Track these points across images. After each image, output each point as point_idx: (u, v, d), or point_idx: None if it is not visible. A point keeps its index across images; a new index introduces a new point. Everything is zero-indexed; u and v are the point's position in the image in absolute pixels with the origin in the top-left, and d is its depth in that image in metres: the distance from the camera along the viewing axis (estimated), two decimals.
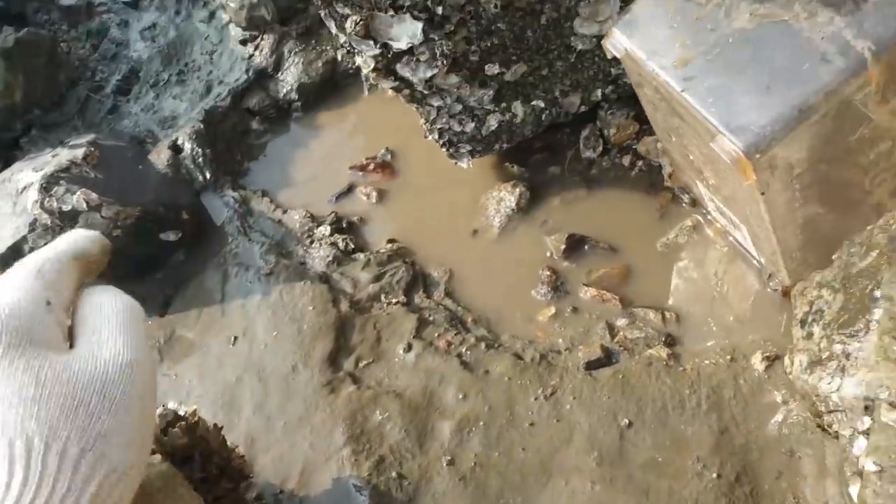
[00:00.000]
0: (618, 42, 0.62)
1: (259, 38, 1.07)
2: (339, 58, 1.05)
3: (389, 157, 0.97)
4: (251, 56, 1.07)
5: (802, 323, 0.57)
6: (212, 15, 1.14)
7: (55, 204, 0.79)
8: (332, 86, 1.05)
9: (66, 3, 1.23)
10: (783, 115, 0.53)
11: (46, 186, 0.80)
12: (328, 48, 1.06)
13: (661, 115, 0.67)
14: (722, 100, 0.55)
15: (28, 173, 0.83)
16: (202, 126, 1.00)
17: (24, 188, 0.82)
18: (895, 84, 0.56)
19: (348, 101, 1.04)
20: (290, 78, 1.04)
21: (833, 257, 0.59)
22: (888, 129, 0.60)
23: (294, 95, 1.04)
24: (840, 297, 0.56)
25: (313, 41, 1.06)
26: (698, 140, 0.62)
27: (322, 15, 0.74)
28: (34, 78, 1.08)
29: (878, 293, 0.52)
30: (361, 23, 0.73)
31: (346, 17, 0.73)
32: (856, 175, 0.62)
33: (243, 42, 1.09)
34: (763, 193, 0.57)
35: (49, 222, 0.79)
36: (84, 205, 0.79)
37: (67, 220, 0.80)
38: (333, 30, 0.75)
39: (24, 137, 1.10)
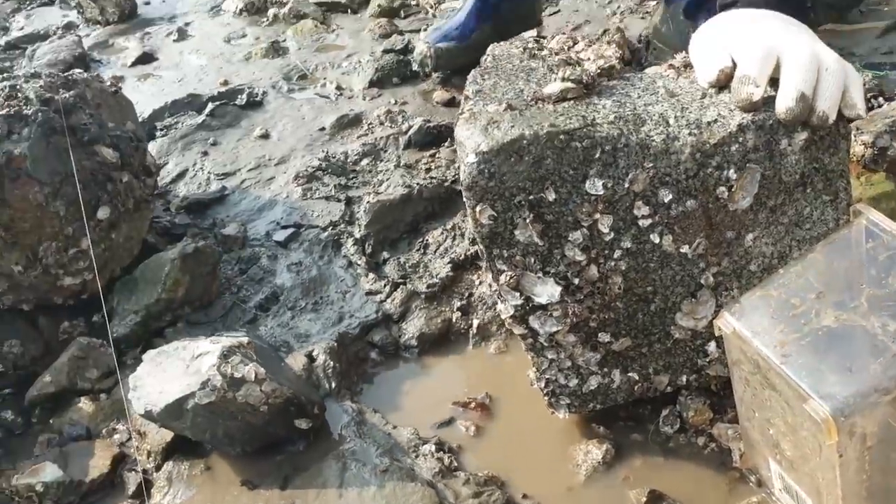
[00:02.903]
0: (728, 323, 0.80)
1: (392, 290, 1.29)
2: (454, 319, 1.25)
3: (488, 400, 1.12)
4: (382, 301, 1.27)
5: None
6: (350, 264, 1.37)
7: (230, 370, 0.94)
8: (445, 340, 1.23)
9: (226, 233, 1.47)
10: (862, 391, 0.69)
11: (226, 354, 0.95)
12: (446, 310, 1.26)
13: (752, 390, 0.83)
14: (813, 374, 0.71)
15: (205, 344, 0.99)
16: (335, 344, 1.17)
17: (201, 355, 0.97)
18: None
19: (455, 352, 1.22)
20: (412, 328, 1.23)
21: None
22: None
23: (413, 342, 1.22)
24: None
25: (436, 303, 1.26)
26: (784, 409, 0.77)
27: (484, 266, 0.95)
28: (196, 282, 1.28)
29: None
30: (514, 278, 0.93)
31: (503, 272, 0.93)
32: None
33: (370, 293, 1.30)
34: (841, 456, 0.71)
35: (219, 384, 0.93)
36: (253, 376, 0.94)
37: (234, 385, 0.94)
38: (489, 279, 0.95)
39: (169, 328, 1.27)
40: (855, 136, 1.27)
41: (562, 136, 0.87)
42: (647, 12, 2.14)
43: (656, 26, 1.81)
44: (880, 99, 1.46)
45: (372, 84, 1.98)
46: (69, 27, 2.63)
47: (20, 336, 1.27)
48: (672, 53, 1.73)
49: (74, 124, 1.24)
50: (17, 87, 1.24)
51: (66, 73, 1.36)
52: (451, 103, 1.85)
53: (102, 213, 1.25)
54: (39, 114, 1.19)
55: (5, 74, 1.29)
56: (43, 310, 1.30)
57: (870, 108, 1.42)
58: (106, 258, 1.28)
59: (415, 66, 2.00)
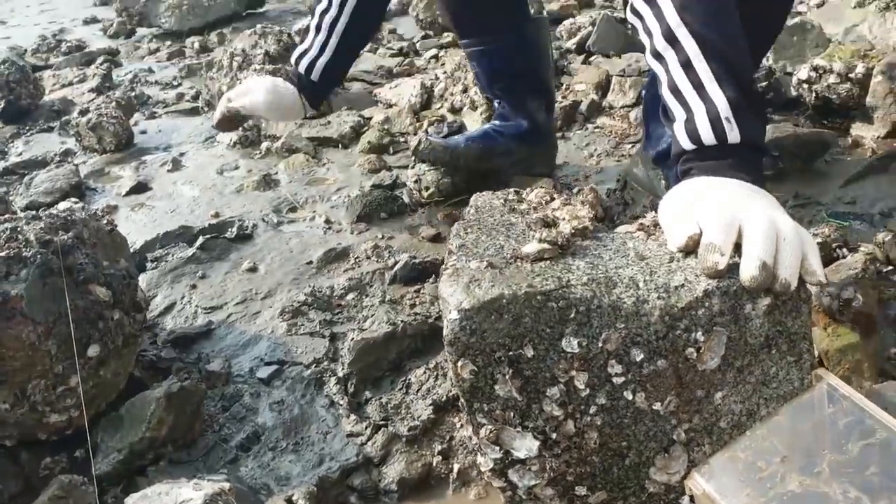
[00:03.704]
0: (698, 483, 0.83)
1: (373, 432, 1.30)
2: (435, 463, 1.26)
3: None
4: (363, 444, 1.29)
5: None
6: (331, 403, 1.39)
7: None
8: (425, 484, 1.24)
9: (211, 369, 1.49)
10: None
11: (208, 503, 0.96)
12: (427, 454, 1.27)
13: None
14: None
15: (187, 490, 1.00)
16: (315, 489, 1.18)
17: (183, 502, 0.98)
18: None
19: (435, 498, 1.22)
20: (392, 472, 1.24)
21: None
22: None
23: (394, 487, 1.22)
24: None
25: (417, 446, 1.28)
26: None
27: (465, 419, 0.98)
28: (180, 420, 1.30)
29: None
30: (493, 432, 0.96)
31: (483, 425, 0.96)
32: None
33: (351, 435, 1.32)
34: None
35: None
36: None
37: None
38: (469, 431, 0.98)
39: (152, 466, 1.28)
40: (821, 287, 1.33)
41: (539, 297, 0.92)
42: (622, 155, 2.26)
43: (631, 168, 1.91)
44: (844, 250, 1.53)
45: (360, 218, 2.05)
46: (67, 154, 2.72)
47: (0, 472, 1.26)
48: (645, 194, 1.84)
49: (71, 265, 1.28)
50: (18, 228, 1.29)
51: (65, 213, 1.40)
52: (437, 239, 1.92)
53: (92, 350, 1.28)
54: (38, 256, 1.24)
55: (7, 216, 1.34)
56: (25, 445, 1.30)
57: (834, 259, 1.49)
58: (93, 394, 1.30)
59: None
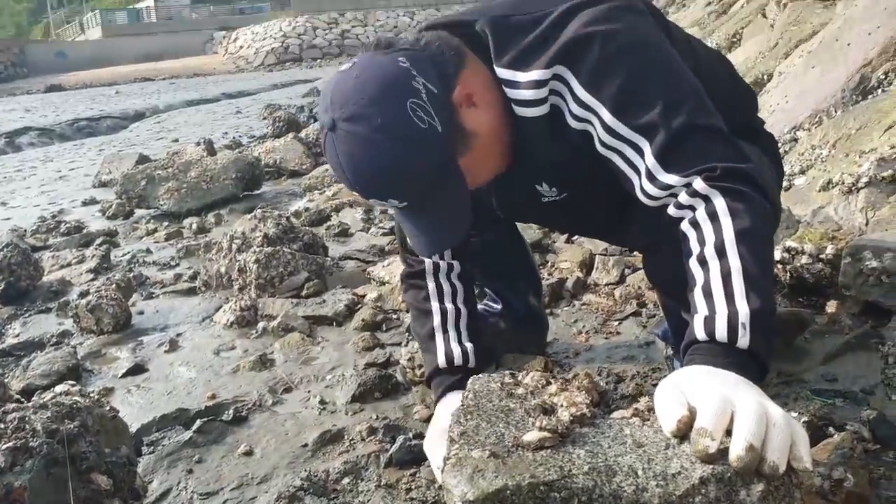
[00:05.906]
0: None
1: None
2: None
3: None
4: None
5: None
6: None
7: None
8: None
9: None
10: None
11: None
12: None
13: None
14: None
15: None
16: None
17: None
18: None
19: None
20: None
21: None
22: None
23: None
24: None
25: None
26: None
27: None
28: None
29: None
30: None
31: None
32: None
33: None
34: None
35: None
36: None
37: None
38: None
39: None
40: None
41: (542, 487, 0.95)
42: (610, 332, 2.33)
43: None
44: (831, 428, 1.57)
45: (354, 399, 2.08)
46: (64, 336, 2.76)
47: None
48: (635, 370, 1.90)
49: (75, 454, 1.30)
50: (26, 418, 1.31)
51: (70, 401, 1.43)
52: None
53: None
54: (45, 446, 1.26)
55: (15, 405, 1.37)
56: None
57: (822, 437, 1.53)
58: None
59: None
